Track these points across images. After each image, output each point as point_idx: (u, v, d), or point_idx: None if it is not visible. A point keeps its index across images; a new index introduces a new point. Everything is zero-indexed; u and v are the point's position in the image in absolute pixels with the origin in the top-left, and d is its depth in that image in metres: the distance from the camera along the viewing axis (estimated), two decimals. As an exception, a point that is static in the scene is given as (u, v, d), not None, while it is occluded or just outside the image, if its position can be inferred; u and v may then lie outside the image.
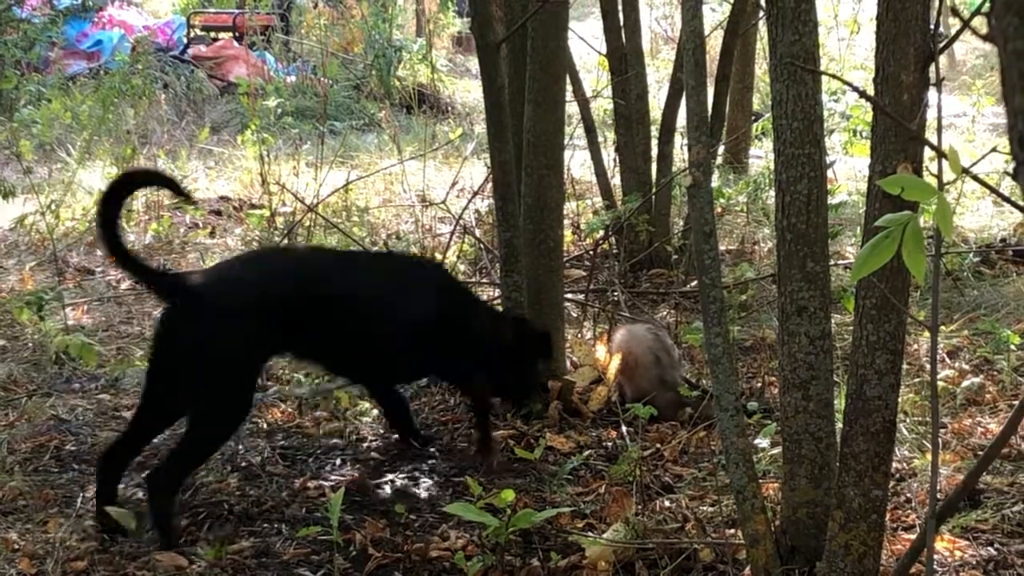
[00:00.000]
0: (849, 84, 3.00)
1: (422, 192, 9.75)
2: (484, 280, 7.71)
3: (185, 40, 16.71)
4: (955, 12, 3.01)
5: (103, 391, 6.09)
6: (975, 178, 2.68)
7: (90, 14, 16.64)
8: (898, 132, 3.36)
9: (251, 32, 15.96)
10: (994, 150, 2.91)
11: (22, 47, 14.24)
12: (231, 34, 17.04)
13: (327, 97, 13.59)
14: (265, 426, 5.60)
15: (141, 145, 11.33)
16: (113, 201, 4.56)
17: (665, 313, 7.30)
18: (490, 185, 6.61)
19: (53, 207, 8.82)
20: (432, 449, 5.41)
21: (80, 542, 4.40)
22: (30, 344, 6.72)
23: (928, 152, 3.33)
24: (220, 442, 4.80)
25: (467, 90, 16.71)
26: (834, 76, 3.31)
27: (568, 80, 6.51)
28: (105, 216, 4.51)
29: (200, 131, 12.50)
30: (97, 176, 10.05)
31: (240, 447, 5.26)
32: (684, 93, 3.94)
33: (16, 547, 4.38)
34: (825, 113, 3.74)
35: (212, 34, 17.42)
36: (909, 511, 4.51)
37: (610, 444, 5.47)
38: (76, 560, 4.27)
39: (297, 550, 4.38)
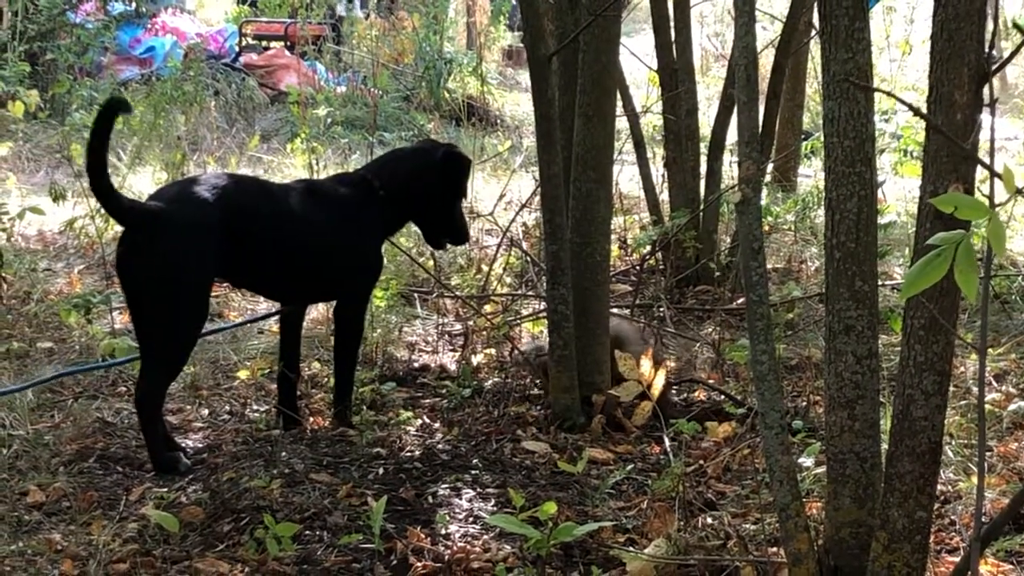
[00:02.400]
0: (903, 101, 2.99)
1: (470, 204, 9.76)
2: (530, 293, 7.71)
3: (237, 48, 16.79)
4: (1017, 27, 2.99)
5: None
6: (1028, 199, 2.67)
7: (143, 20, 16.76)
8: (950, 152, 3.34)
9: (302, 42, 16.01)
10: (1047, 172, 2.89)
11: (75, 52, 14.34)
12: (282, 43, 17.12)
13: (377, 108, 13.63)
14: (309, 433, 5.61)
15: (191, 151, 11.40)
16: (102, 133, 5.08)
17: (710, 330, 7.28)
18: (538, 198, 6.61)
19: (102, 211, 8.86)
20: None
21: (123, 545, 4.42)
22: (77, 347, 6.76)
23: (979, 174, 3.31)
24: (185, 351, 5.37)
25: (516, 103, 16.74)
26: (888, 93, 3.30)
27: (618, 95, 6.51)
28: (95, 147, 5.08)
29: (250, 139, 12.55)
30: (147, 181, 10.11)
31: (283, 453, 5.28)
32: (735, 109, 3.94)
33: (59, 548, 4.40)
34: (876, 132, 3.73)
35: (264, 43, 17.51)
36: (953, 534, 4.48)
37: (653, 459, 5.47)
38: (118, 562, 4.29)
39: (338, 558, 4.38)
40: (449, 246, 6.42)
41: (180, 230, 5.18)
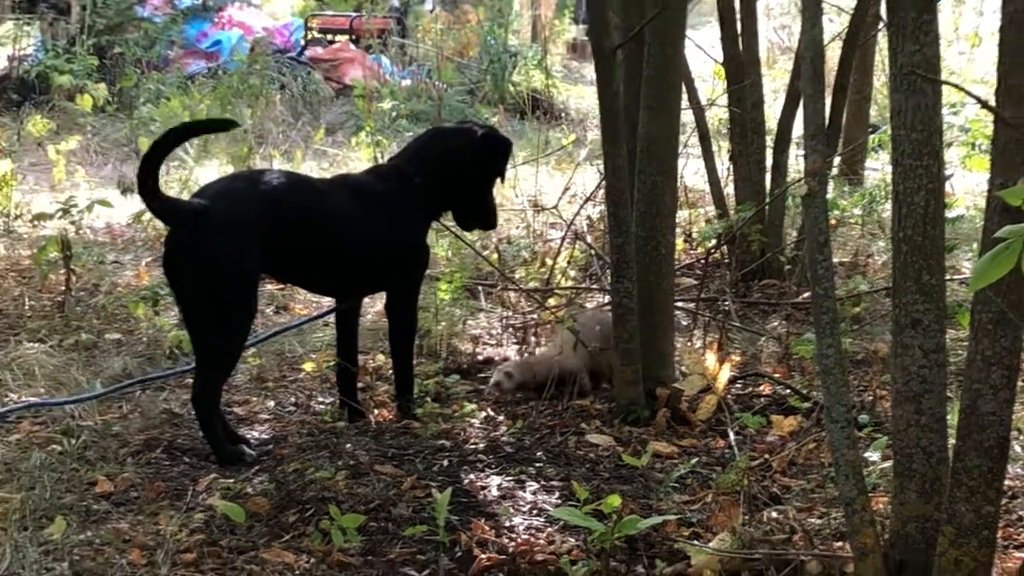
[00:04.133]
0: (971, 94, 2.97)
1: (534, 197, 9.76)
2: (594, 286, 7.70)
3: (302, 42, 16.86)
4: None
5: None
6: (1099, 191, 2.64)
7: (210, 14, 16.86)
8: (1019, 145, 3.32)
9: (368, 35, 16.06)
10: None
11: (143, 46, 14.49)
12: (348, 37, 17.16)
13: (441, 101, 13.65)
14: (373, 425, 5.63)
15: (257, 145, 11.47)
16: (160, 150, 5.13)
17: (776, 324, 7.25)
18: (602, 191, 6.59)
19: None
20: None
21: (190, 535, 4.45)
22: (144, 339, 6.81)
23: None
24: (237, 348, 5.38)
25: (580, 96, 16.70)
26: (956, 86, 3.28)
27: (683, 88, 6.49)
28: (150, 159, 5.08)
29: (315, 132, 12.61)
30: (213, 174, 10.16)
31: (348, 445, 5.30)
32: (801, 102, 3.92)
33: (127, 538, 4.43)
34: (944, 126, 3.70)
35: (329, 36, 17.55)
36: (1021, 529, 4.45)
37: (718, 453, 5.45)
38: (185, 552, 4.32)
39: (403, 549, 4.40)
40: (478, 231, 6.41)
41: (224, 227, 5.16)
